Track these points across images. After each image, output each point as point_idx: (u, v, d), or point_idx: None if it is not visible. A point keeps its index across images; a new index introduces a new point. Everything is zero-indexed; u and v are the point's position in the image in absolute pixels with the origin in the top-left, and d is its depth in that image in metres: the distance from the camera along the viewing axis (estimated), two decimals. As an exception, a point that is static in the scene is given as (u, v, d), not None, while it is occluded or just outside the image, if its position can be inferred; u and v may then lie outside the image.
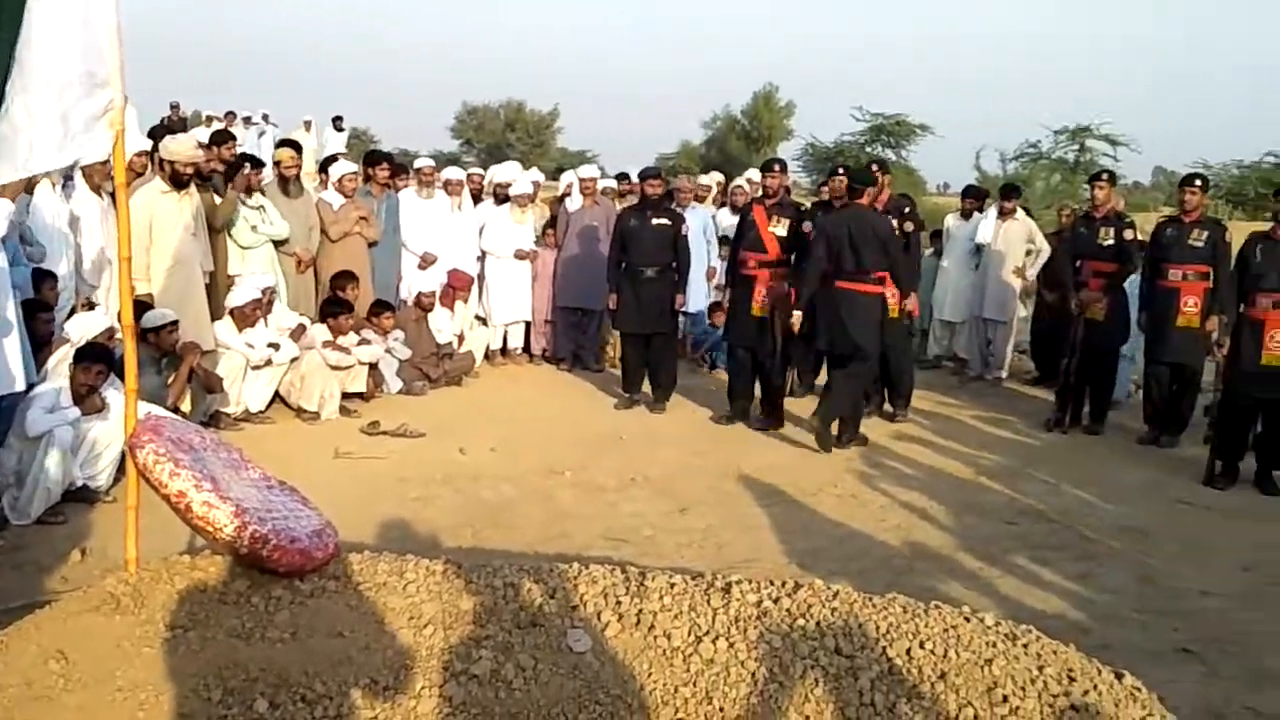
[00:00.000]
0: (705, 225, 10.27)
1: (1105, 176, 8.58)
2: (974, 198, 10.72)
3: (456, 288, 9.44)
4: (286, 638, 3.23)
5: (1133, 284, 8.52)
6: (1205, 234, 7.86)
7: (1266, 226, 7.29)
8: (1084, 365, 8.32)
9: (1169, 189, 33.18)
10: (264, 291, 7.60)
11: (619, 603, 3.41)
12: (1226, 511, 6.61)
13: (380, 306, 8.57)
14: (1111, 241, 8.20)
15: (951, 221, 10.66)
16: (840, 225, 7.54)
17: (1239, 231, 8.31)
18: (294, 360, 7.70)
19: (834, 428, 7.65)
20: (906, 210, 8.77)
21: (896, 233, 7.91)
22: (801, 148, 33.76)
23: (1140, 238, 8.49)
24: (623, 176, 10.93)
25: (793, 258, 8.02)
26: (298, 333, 7.80)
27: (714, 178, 11.86)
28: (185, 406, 6.70)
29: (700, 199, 10.74)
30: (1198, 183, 8.12)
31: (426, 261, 9.42)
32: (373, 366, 8.33)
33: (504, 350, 10.31)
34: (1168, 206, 26.81)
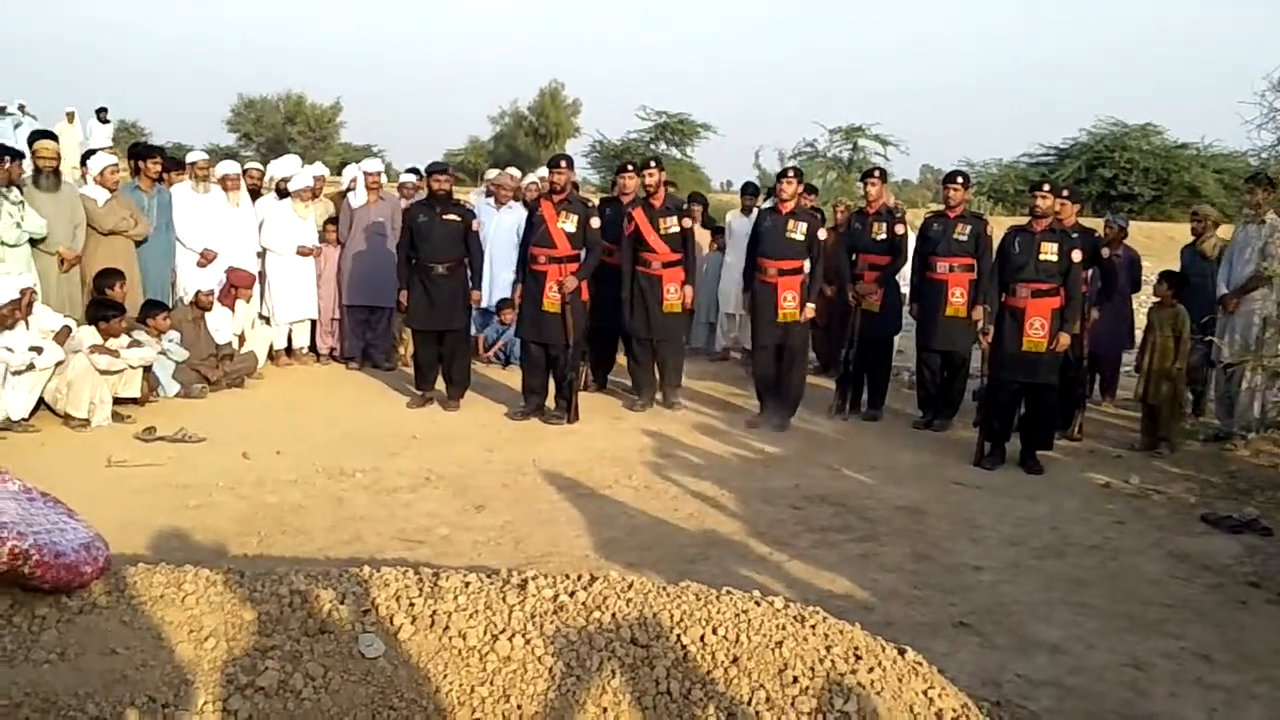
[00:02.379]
0: (519, 223, 10.19)
1: (877, 174, 8.93)
2: (753, 194, 11.01)
3: (236, 286, 9.06)
4: (54, 658, 3.02)
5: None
6: (969, 228, 8.32)
7: (1024, 220, 7.74)
8: (861, 354, 8.68)
9: (935, 186, 34.99)
10: (22, 292, 7.12)
11: (412, 604, 3.35)
12: (995, 490, 7.00)
13: (153, 307, 8.15)
14: (884, 236, 8.58)
15: (733, 217, 10.92)
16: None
17: (999, 225, 8.83)
18: (59, 365, 7.24)
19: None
20: (685, 206, 8.99)
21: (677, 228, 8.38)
22: (590, 145, 34.07)
23: (910, 232, 8.90)
24: (415, 171, 10.74)
25: (583, 253, 8.10)
26: (62, 335, 7.33)
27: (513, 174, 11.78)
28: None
29: (518, 196, 10.65)
30: (960, 180, 8.60)
31: (205, 259, 9.03)
32: (147, 370, 7.91)
33: (289, 350, 9.98)
34: (935, 203, 28.24)
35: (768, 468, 7.27)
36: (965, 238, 8.30)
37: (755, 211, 9.87)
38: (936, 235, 8.40)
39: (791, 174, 8.39)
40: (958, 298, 8.27)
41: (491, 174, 12.09)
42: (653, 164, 8.60)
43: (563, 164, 8.27)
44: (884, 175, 9.08)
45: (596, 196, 11.33)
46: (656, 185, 8.41)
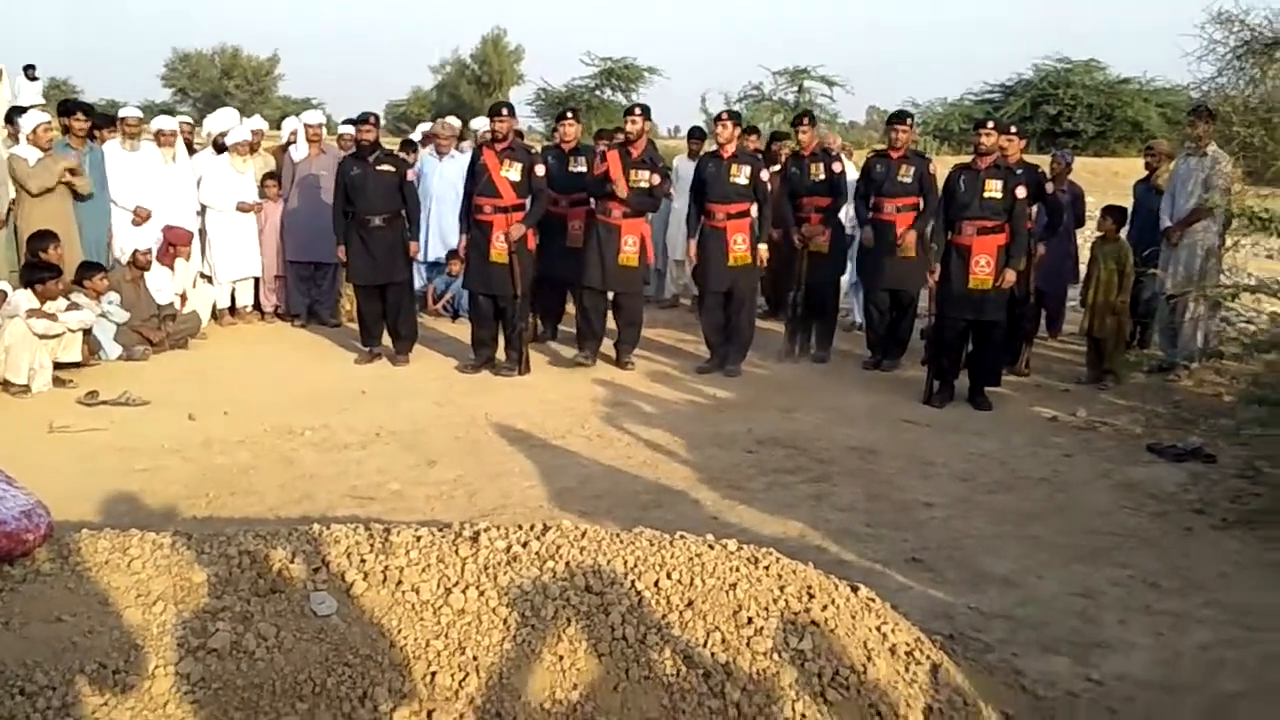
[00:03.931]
0: (463, 173, 10.05)
1: (806, 120, 8.87)
2: (699, 139, 10.95)
3: (174, 244, 8.86)
4: (-1, 628, 2.97)
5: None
6: (912, 169, 8.33)
7: (969, 159, 7.75)
8: (808, 297, 8.69)
9: (882, 127, 35.02)
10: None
11: (364, 561, 3.31)
12: (945, 427, 7.07)
13: (90, 268, 7.97)
14: (823, 177, 8.57)
15: (680, 162, 10.83)
16: None
17: (945, 164, 8.84)
18: (-6, 331, 7.08)
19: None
20: (661, 164, 8.86)
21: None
22: (534, 92, 33.72)
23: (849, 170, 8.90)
24: (354, 121, 10.53)
25: (528, 202, 7.99)
26: None
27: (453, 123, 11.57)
28: None
29: (461, 147, 10.50)
30: (907, 120, 8.58)
31: (140, 217, 8.84)
32: (87, 333, 7.75)
33: (233, 309, 9.83)
34: (882, 144, 28.28)
35: (720, 413, 7.28)
36: (909, 179, 8.31)
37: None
38: (880, 176, 8.39)
39: (727, 117, 8.30)
40: (906, 238, 8.29)
41: (424, 126, 11.89)
42: (637, 111, 8.33)
43: (504, 111, 8.14)
44: (813, 119, 9.03)
45: (539, 145, 11.16)
46: (638, 134, 8.15)
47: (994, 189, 7.38)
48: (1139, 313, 8.63)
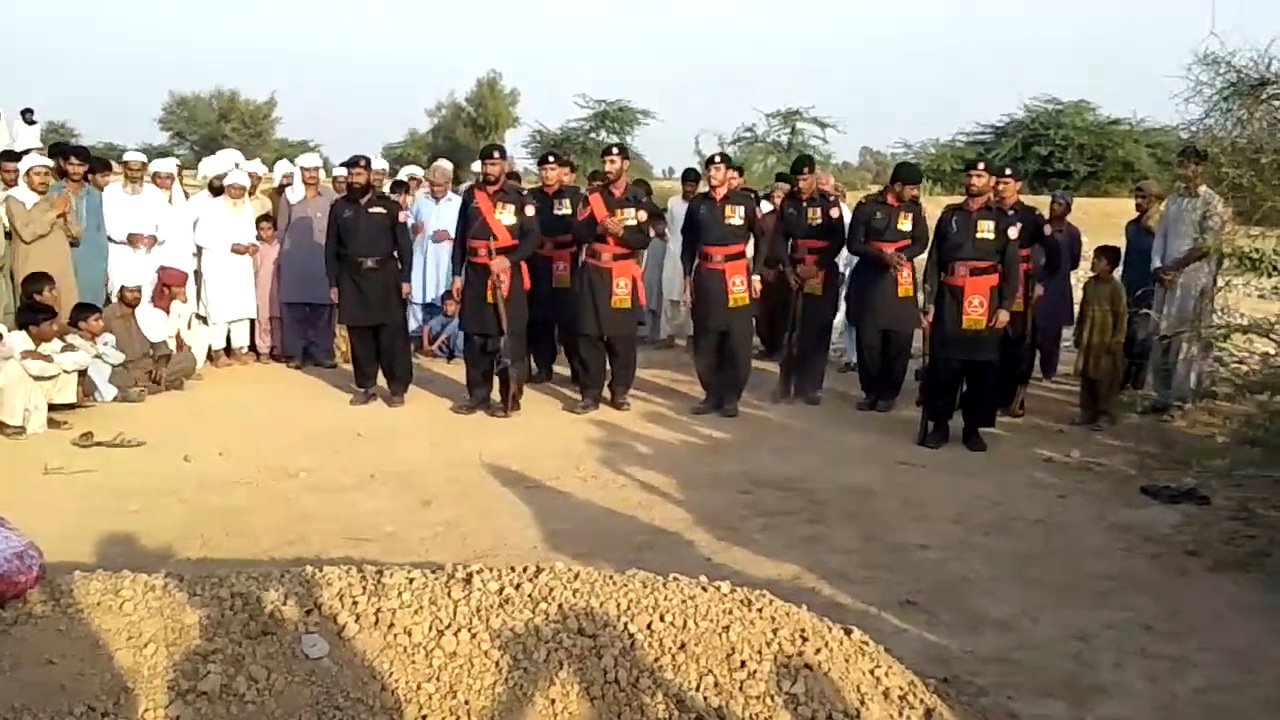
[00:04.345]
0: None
1: (807, 168, 8.89)
2: (694, 180, 11.01)
3: (169, 285, 8.89)
4: (-12, 672, 2.96)
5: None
6: (909, 215, 8.38)
7: (960, 199, 7.80)
8: (803, 338, 8.71)
9: (875, 168, 35.29)
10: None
11: (356, 603, 3.31)
12: (940, 468, 7.07)
13: (85, 309, 8.00)
14: (820, 220, 8.61)
15: (674, 204, 10.89)
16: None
17: (937, 204, 8.90)
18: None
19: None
20: (645, 199, 8.91)
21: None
22: (529, 135, 33.99)
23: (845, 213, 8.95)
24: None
25: (521, 241, 8.04)
26: None
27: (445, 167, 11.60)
28: None
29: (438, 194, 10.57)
30: (913, 178, 8.64)
31: (142, 243, 8.90)
32: (83, 374, 7.75)
33: (228, 350, 9.84)
34: (875, 185, 28.51)
35: (715, 454, 7.28)
36: (909, 225, 8.38)
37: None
38: (880, 224, 8.41)
39: (719, 159, 8.34)
40: (905, 278, 8.34)
41: (410, 170, 11.89)
42: (615, 151, 8.32)
43: (496, 155, 8.19)
44: (812, 165, 9.10)
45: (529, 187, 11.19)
46: (618, 173, 8.16)
47: (986, 230, 7.42)
48: (1133, 353, 8.65)
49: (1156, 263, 8.22)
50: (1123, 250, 8.82)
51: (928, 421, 7.67)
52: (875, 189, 9.26)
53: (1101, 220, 17.29)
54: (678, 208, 10.64)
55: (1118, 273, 8.48)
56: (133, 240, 8.89)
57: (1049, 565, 5.31)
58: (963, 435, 7.63)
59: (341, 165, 10.38)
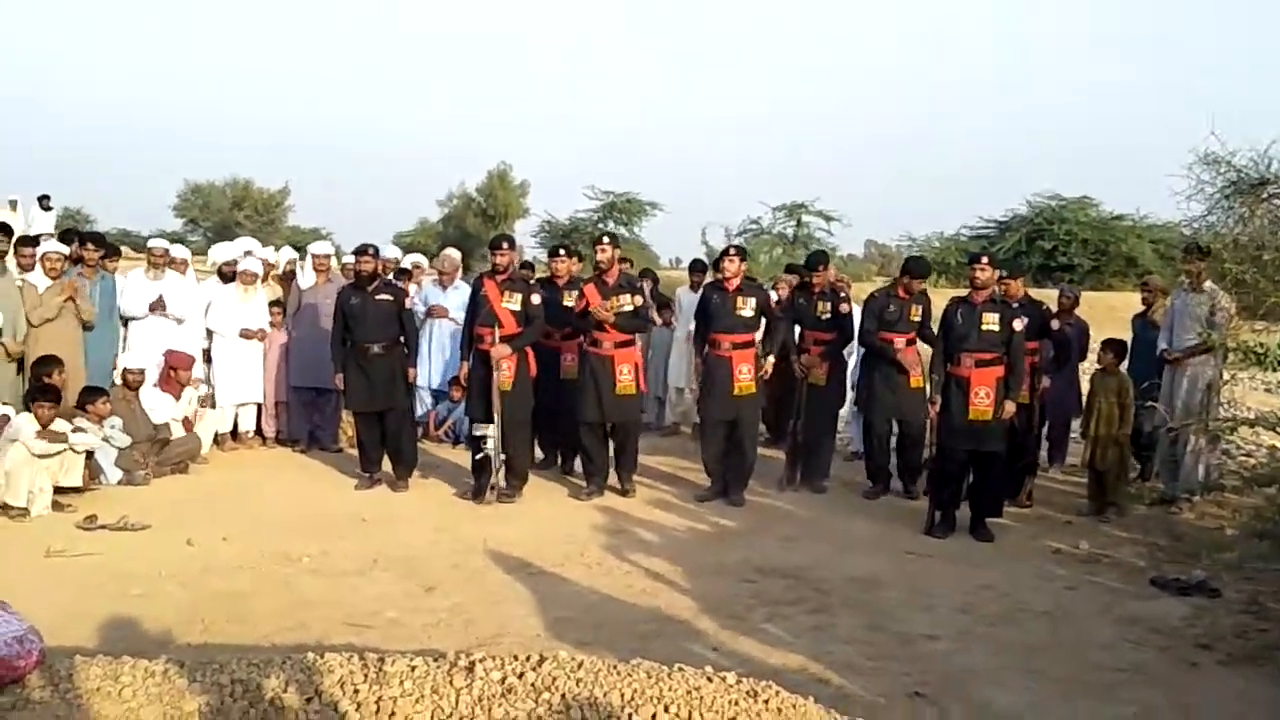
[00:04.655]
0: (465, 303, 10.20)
1: (822, 266, 8.98)
2: (701, 271, 11.11)
3: (175, 368, 8.95)
4: (-15, 758, 2.93)
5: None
6: (919, 307, 8.47)
7: (965, 292, 7.86)
8: (808, 427, 8.71)
9: (881, 260, 35.59)
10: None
11: (357, 690, 3.28)
12: (947, 558, 7.02)
13: (92, 393, 8.03)
14: (829, 315, 8.68)
15: (682, 293, 10.99)
16: None
17: (942, 296, 8.96)
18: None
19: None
20: (639, 284, 8.96)
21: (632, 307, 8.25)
22: (539, 225, 34.43)
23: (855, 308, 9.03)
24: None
25: (525, 328, 8.10)
26: (0, 423, 7.20)
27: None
28: None
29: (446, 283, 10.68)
30: (921, 274, 8.71)
31: (155, 308, 9.09)
32: (89, 457, 7.77)
33: (234, 434, 9.86)
34: (880, 277, 28.77)
35: (721, 541, 7.24)
36: (919, 318, 8.50)
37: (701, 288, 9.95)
38: (893, 316, 8.49)
39: (734, 252, 8.43)
40: (917, 371, 8.43)
41: (413, 257, 11.97)
42: (605, 240, 8.48)
43: (505, 245, 8.29)
44: (827, 261, 9.20)
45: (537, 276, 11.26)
46: (610, 262, 8.27)
47: (991, 322, 7.48)
48: (1141, 445, 8.65)
49: (1163, 347, 8.27)
50: (1129, 343, 8.87)
51: (935, 511, 7.64)
52: (881, 281, 9.36)
53: (1106, 314, 17.37)
54: (685, 297, 10.75)
55: (1124, 366, 8.51)
56: (153, 307, 9.09)
57: (1057, 657, 5.24)
58: (970, 525, 7.59)
59: (351, 254, 10.56)
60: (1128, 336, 9.11)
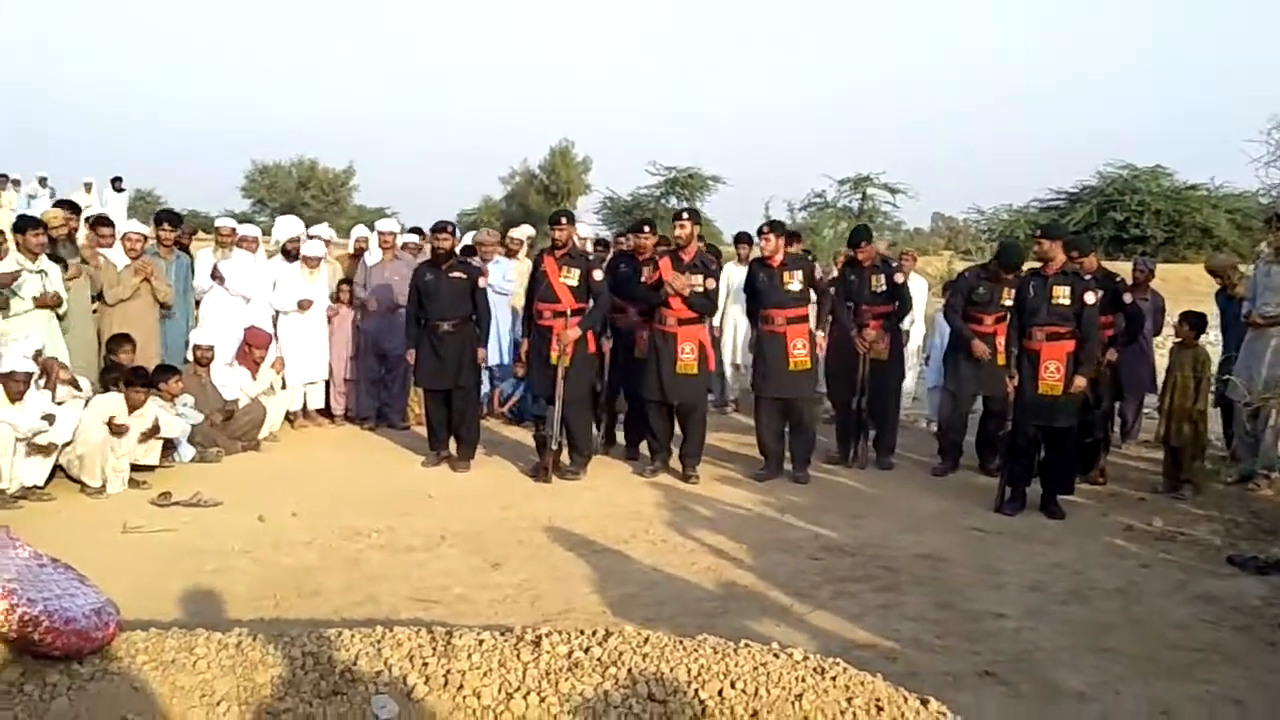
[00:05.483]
0: (503, 277, 10.24)
1: (864, 241, 8.76)
2: (747, 243, 10.99)
3: (252, 345, 9.09)
4: (65, 727, 2.99)
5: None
6: (1013, 291, 8.28)
7: (1038, 265, 7.72)
8: (872, 402, 8.64)
9: (948, 234, 35.11)
10: (43, 363, 7.18)
11: (425, 664, 3.30)
12: (1016, 535, 6.93)
13: (165, 371, 8.16)
14: (884, 288, 8.57)
15: (731, 269, 10.83)
16: None
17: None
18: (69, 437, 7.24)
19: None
20: (715, 267, 8.88)
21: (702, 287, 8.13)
22: (600, 201, 34.41)
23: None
24: (417, 230, 10.80)
25: (589, 305, 8.11)
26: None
27: (524, 231, 11.69)
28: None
29: (513, 253, 10.71)
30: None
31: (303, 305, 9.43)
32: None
33: (304, 412, 10.00)
34: (948, 250, 28.36)
35: (785, 519, 7.21)
36: (1011, 300, 8.21)
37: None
38: (983, 297, 8.41)
39: (767, 229, 8.30)
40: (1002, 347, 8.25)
41: (472, 234, 12.03)
42: (685, 215, 8.37)
43: (563, 220, 8.27)
44: (870, 236, 9.00)
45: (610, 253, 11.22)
46: (688, 239, 8.16)
47: (1062, 295, 7.34)
48: (1230, 419, 8.45)
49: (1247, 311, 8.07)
50: (1216, 320, 8.64)
51: (1005, 487, 7.54)
52: (947, 254, 9.22)
53: (1180, 286, 17.02)
54: (734, 273, 10.60)
55: (1205, 339, 8.32)
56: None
57: (1130, 635, 5.15)
58: (1040, 502, 7.48)
59: (410, 231, 10.71)
60: (1203, 309, 8.89)
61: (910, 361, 10.33)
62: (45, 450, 7.07)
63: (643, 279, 8.43)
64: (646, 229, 8.83)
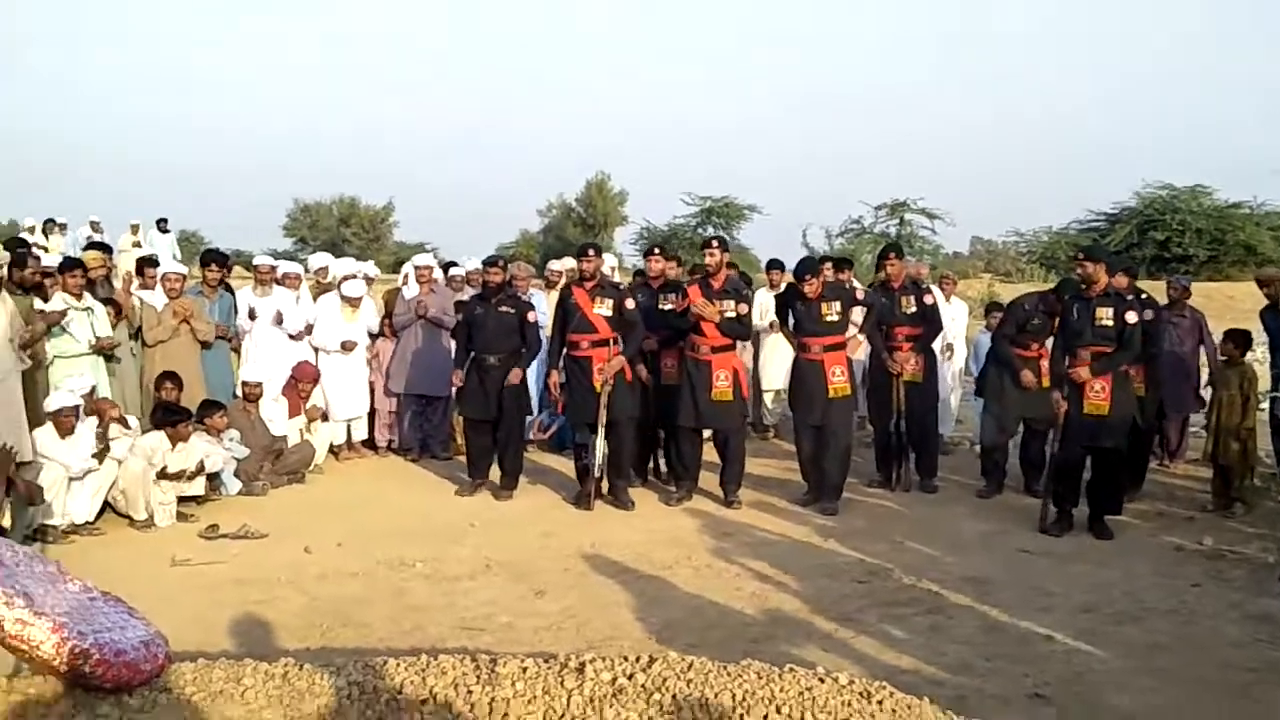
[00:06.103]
0: (543, 310, 10.27)
1: (893, 255, 8.81)
2: (779, 270, 10.97)
3: (299, 380, 9.18)
4: (116, 758, 3.02)
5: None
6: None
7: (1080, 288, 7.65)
8: (909, 425, 8.61)
9: (987, 256, 34.95)
10: (95, 402, 7.32)
11: (470, 692, 3.31)
12: (1063, 556, 6.85)
13: (210, 406, 8.26)
14: (915, 309, 8.55)
15: (761, 295, 10.79)
16: None
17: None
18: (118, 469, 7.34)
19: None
20: (747, 292, 8.88)
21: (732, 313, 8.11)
22: (637, 232, 34.57)
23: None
24: (453, 264, 10.89)
25: (628, 336, 8.10)
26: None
27: (565, 263, 11.71)
28: (4, 521, 6.30)
29: (553, 285, 10.75)
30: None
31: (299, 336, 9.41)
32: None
33: (349, 444, 10.07)
34: (987, 272, 28.22)
35: (829, 542, 7.17)
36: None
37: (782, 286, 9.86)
38: (1037, 328, 8.42)
39: (809, 275, 8.06)
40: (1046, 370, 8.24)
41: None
42: (714, 243, 8.30)
43: (590, 252, 8.32)
44: (900, 252, 9.01)
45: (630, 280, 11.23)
46: (718, 266, 8.14)
47: (1105, 316, 7.30)
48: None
49: None
50: (1266, 339, 8.51)
51: (1050, 508, 7.46)
52: (986, 277, 9.19)
53: (1224, 304, 16.84)
54: (765, 299, 10.56)
55: (1253, 358, 8.22)
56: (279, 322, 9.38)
57: (1184, 657, 5.08)
58: (1088, 523, 7.39)
59: (448, 264, 10.79)
60: (1247, 326, 8.78)
61: (953, 383, 10.28)
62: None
63: (659, 305, 8.48)
64: (656, 251, 8.83)
